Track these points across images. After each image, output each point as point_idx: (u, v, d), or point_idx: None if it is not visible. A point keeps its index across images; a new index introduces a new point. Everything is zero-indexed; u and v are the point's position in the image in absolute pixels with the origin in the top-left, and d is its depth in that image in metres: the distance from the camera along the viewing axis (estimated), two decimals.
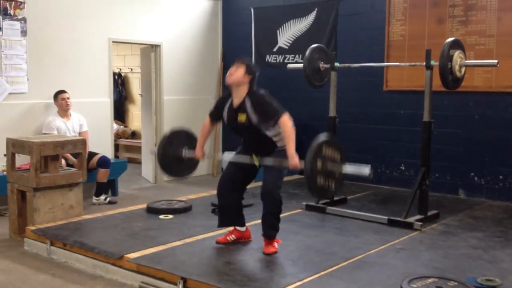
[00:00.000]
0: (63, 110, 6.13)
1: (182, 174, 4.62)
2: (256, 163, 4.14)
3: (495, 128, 6.11)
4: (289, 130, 3.91)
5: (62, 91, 6.13)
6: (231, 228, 4.37)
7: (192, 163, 4.58)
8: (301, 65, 5.71)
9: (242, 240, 4.37)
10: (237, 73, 4.00)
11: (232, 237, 4.35)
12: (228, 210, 4.29)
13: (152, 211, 5.31)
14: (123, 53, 9.88)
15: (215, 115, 4.29)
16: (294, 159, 3.87)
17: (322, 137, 3.82)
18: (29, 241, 4.64)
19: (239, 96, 4.02)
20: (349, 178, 6.97)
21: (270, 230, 4.13)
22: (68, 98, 6.12)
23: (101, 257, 4.07)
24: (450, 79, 4.90)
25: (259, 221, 4.23)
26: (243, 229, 4.37)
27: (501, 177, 6.09)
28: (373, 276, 3.67)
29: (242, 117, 4.00)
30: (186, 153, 4.41)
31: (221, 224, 4.36)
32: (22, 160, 5.44)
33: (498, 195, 6.09)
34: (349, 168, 3.84)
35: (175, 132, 4.54)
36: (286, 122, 3.91)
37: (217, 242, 4.33)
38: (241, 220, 4.36)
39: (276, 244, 4.14)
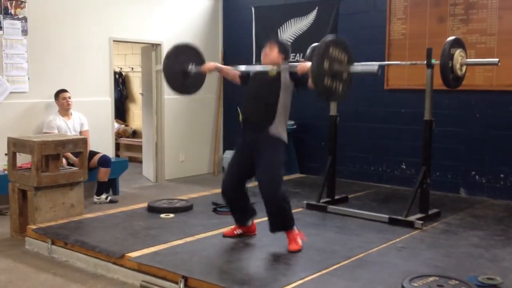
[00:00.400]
0: (64, 109, 6.13)
1: (188, 90, 4.66)
2: (273, 72, 4.15)
3: (496, 127, 6.10)
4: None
5: (63, 90, 6.14)
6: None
7: (199, 80, 4.61)
8: None
9: (248, 234, 4.43)
10: (273, 53, 4.19)
11: (238, 231, 4.42)
12: (238, 207, 4.35)
13: (153, 210, 5.31)
14: (123, 52, 9.88)
15: (244, 77, 4.44)
16: (304, 63, 3.98)
17: (329, 37, 3.84)
18: (30, 240, 4.64)
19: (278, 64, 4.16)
20: (349, 176, 7.04)
21: (284, 221, 4.11)
22: (69, 98, 6.13)
23: (102, 256, 4.07)
24: (451, 77, 4.90)
25: (262, 219, 4.25)
26: (249, 223, 4.45)
27: (502, 175, 6.08)
28: (374, 275, 3.67)
29: (273, 72, 4.13)
30: (193, 68, 4.45)
31: (239, 222, 4.43)
32: (23, 159, 5.44)
33: (499, 193, 6.09)
34: (357, 67, 3.84)
35: (182, 46, 4.56)
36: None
37: (224, 236, 4.42)
38: (247, 217, 4.42)
39: (300, 241, 4.13)
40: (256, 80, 4.27)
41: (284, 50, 4.22)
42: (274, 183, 4.01)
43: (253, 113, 4.16)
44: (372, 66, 3.77)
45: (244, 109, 4.27)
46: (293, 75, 4.08)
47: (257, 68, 4.33)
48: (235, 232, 4.43)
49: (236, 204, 4.35)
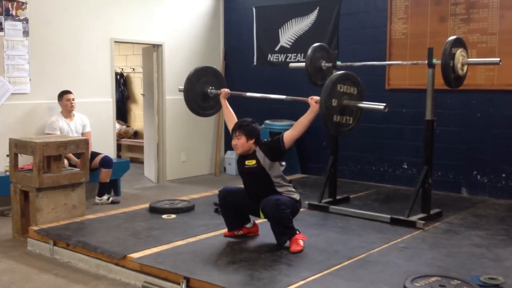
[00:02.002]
0: (67, 111, 6.13)
1: (209, 112, 4.81)
2: (262, 217, 4.27)
3: (498, 126, 6.10)
4: (298, 123, 4.07)
5: (68, 92, 6.13)
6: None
7: (218, 102, 4.73)
8: (303, 64, 5.70)
9: (250, 235, 4.45)
10: (241, 143, 4.15)
11: (239, 232, 4.44)
12: (232, 211, 4.37)
13: (155, 210, 5.32)
14: (125, 53, 9.88)
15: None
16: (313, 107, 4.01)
17: (336, 74, 3.85)
18: (32, 241, 4.65)
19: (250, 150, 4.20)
20: (351, 176, 7.03)
21: (281, 236, 4.15)
22: (73, 100, 6.12)
23: (104, 257, 4.07)
24: (452, 77, 4.89)
25: (263, 220, 4.26)
26: (249, 225, 4.45)
27: (504, 175, 6.08)
28: (376, 275, 3.67)
29: (251, 162, 4.16)
30: (212, 90, 4.58)
31: (231, 228, 4.44)
32: (25, 160, 5.45)
33: (501, 193, 6.08)
34: (364, 105, 3.87)
35: (200, 70, 4.67)
36: (288, 132, 4.09)
37: (225, 236, 4.43)
38: (247, 218, 4.44)
39: (301, 242, 4.15)
40: (240, 167, 4.31)
41: (252, 134, 4.14)
42: (278, 204, 4.04)
43: (254, 196, 4.22)
44: (379, 105, 3.84)
45: (249, 196, 4.32)
46: (268, 154, 4.11)
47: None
48: (236, 233, 4.44)
49: (229, 211, 4.39)
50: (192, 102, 4.69)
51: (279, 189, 4.17)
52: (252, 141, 4.15)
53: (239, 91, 8.32)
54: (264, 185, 4.16)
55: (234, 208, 4.36)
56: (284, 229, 4.11)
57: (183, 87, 4.71)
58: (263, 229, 4.47)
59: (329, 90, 3.72)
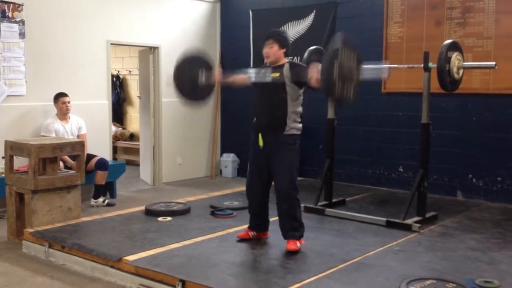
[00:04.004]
0: (63, 113, 6.12)
1: (197, 98, 4.58)
2: (261, 143, 4.21)
3: (493, 130, 6.12)
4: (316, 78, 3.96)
5: (63, 94, 6.11)
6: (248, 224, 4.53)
7: (209, 89, 4.56)
8: None
9: (261, 237, 4.49)
10: (273, 51, 4.14)
11: (253, 233, 4.46)
12: (261, 213, 4.42)
13: (151, 213, 5.31)
14: (121, 55, 9.88)
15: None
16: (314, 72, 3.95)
17: (338, 40, 3.78)
18: (27, 244, 4.63)
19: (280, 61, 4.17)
20: (347, 179, 7.04)
21: (293, 231, 4.20)
22: (68, 102, 6.10)
23: (99, 260, 4.06)
24: (448, 81, 4.91)
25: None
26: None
27: (499, 178, 6.10)
28: (372, 278, 3.67)
29: (275, 74, 4.14)
30: (202, 77, 4.41)
31: (256, 229, 4.48)
32: (20, 162, 5.43)
33: (496, 196, 6.10)
34: (366, 72, 3.81)
35: (191, 55, 4.54)
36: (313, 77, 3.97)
37: (238, 238, 4.45)
38: (266, 225, 4.49)
39: (298, 244, 4.18)
40: (260, 88, 4.28)
41: (284, 44, 4.17)
42: (289, 182, 4.12)
43: (266, 125, 4.21)
44: (379, 70, 3.75)
45: (256, 119, 4.31)
46: (294, 75, 4.08)
47: (263, 76, 4.25)
48: (250, 234, 4.47)
49: (259, 210, 4.41)
50: (182, 90, 4.43)
51: (288, 123, 4.13)
52: (284, 50, 4.15)
53: (235, 94, 8.34)
54: (278, 104, 4.10)
55: (264, 206, 4.39)
56: (295, 223, 4.17)
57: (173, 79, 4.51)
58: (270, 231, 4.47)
59: (331, 54, 3.67)
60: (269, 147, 4.17)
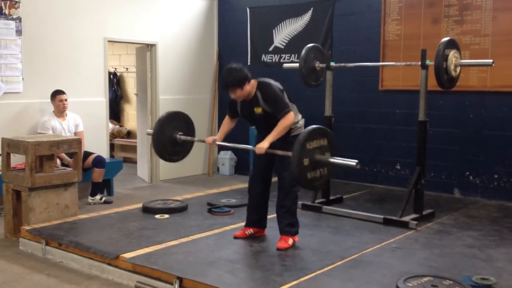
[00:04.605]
0: (60, 111, 6.10)
1: (175, 158, 4.64)
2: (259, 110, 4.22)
3: (490, 128, 6.13)
4: (282, 124, 4.01)
5: (61, 92, 6.09)
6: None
7: (187, 147, 4.62)
8: (297, 64, 5.71)
9: (258, 235, 4.48)
10: (239, 94, 4.07)
11: (250, 231, 4.46)
12: (257, 210, 4.42)
13: (148, 210, 5.31)
14: (118, 53, 9.85)
15: (232, 112, 4.38)
16: (262, 146, 3.96)
17: (302, 135, 3.74)
18: (24, 241, 4.62)
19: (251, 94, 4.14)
20: (344, 176, 7.05)
21: (289, 227, 4.23)
22: (66, 100, 6.09)
23: (96, 257, 4.06)
24: (445, 78, 4.92)
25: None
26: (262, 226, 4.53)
27: (496, 176, 6.11)
28: (369, 275, 3.68)
29: (258, 110, 4.14)
30: (181, 136, 4.48)
31: (254, 224, 4.47)
32: (17, 159, 5.42)
33: (493, 194, 6.11)
34: (337, 161, 3.80)
35: (171, 114, 4.58)
36: (287, 118, 4.02)
37: (235, 237, 4.43)
38: (265, 221, 4.50)
39: (290, 241, 4.21)
40: (252, 118, 4.29)
41: (242, 81, 4.02)
42: (293, 179, 4.08)
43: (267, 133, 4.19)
44: (351, 161, 3.76)
45: (259, 136, 4.34)
46: (268, 106, 4.10)
47: (249, 114, 4.25)
48: (247, 233, 4.46)
49: (260, 206, 4.41)
50: (160, 146, 4.50)
51: (292, 132, 4.17)
52: (246, 83, 4.05)
53: None
54: (275, 123, 4.09)
55: (263, 198, 4.41)
56: (293, 219, 4.20)
57: (151, 131, 4.57)
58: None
59: (298, 153, 3.62)
60: (274, 148, 4.16)
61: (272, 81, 4.23)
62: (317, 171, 3.75)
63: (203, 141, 4.52)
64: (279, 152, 4.00)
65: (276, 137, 4.00)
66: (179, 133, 4.53)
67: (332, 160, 3.77)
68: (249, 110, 4.18)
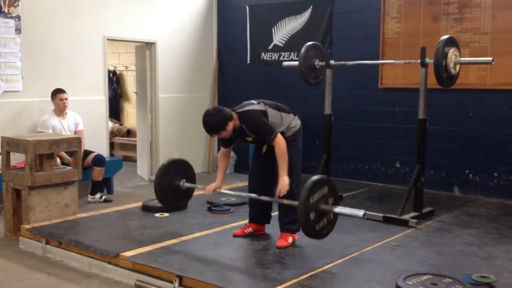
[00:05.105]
0: (60, 110, 6.10)
1: (178, 204, 4.73)
2: (264, 149, 4.28)
3: (490, 126, 6.13)
4: (280, 151, 4.01)
5: (61, 91, 6.08)
6: (246, 221, 4.54)
7: (189, 193, 4.71)
8: (296, 62, 5.70)
9: (257, 233, 4.48)
10: (225, 134, 4.10)
11: (249, 229, 4.46)
12: (256, 206, 4.42)
13: (148, 209, 5.31)
14: (118, 51, 9.86)
15: (225, 143, 4.39)
16: (285, 183, 3.97)
17: (305, 188, 3.70)
18: (24, 240, 4.63)
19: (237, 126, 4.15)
20: (344, 175, 7.05)
21: (289, 224, 4.23)
22: (66, 99, 6.08)
23: (96, 256, 4.06)
24: (444, 76, 4.91)
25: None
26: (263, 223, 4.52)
27: (495, 174, 6.11)
28: (369, 273, 3.68)
29: (249, 139, 4.20)
30: (183, 183, 4.55)
31: (255, 220, 4.48)
32: (17, 158, 5.42)
33: (493, 192, 6.12)
34: (343, 210, 3.79)
35: (172, 162, 4.63)
36: (279, 143, 4.02)
37: (234, 236, 4.43)
38: (267, 218, 4.48)
39: (290, 239, 4.21)
40: (242, 140, 4.34)
41: (223, 124, 4.02)
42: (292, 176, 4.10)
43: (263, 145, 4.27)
44: (358, 212, 3.72)
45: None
46: (255, 135, 4.14)
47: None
48: (246, 231, 4.45)
49: (260, 204, 4.39)
50: (163, 197, 4.56)
51: (287, 135, 4.21)
52: (228, 125, 4.04)
53: (232, 89, 8.38)
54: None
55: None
56: (294, 217, 4.16)
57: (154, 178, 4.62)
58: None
59: (303, 209, 3.61)
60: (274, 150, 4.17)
61: (250, 107, 4.16)
62: (324, 219, 3.77)
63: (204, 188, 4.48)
64: (285, 202, 4.03)
65: (285, 165, 4.00)
66: (182, 180, 4.57)
67: (338, 210, 3.78)
68: (241, 138, 4.25)
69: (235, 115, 4.11)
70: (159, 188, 4.50)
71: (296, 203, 3.75)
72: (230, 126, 4.07)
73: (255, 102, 4.22)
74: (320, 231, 3.76)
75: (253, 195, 4.32)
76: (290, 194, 4.09)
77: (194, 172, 4.75)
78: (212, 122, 4.04)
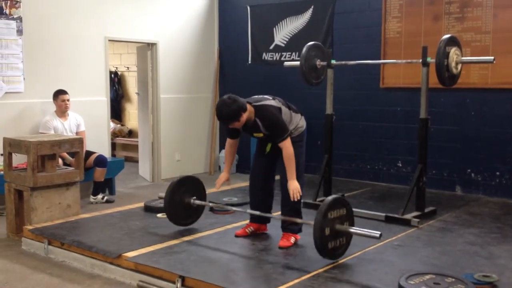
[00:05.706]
0: (62, 111, 6.10)
1: (187, 221, 4.68)
2: (268, 149, 4.27)
3: (492, 125, 6.12)
4: (288, 154, 4.00)
5: (63, 92, 6.09)
6: (248, 221, 4.54)
7: (199, 210, 4.71)
8: (297, 62, 5.70)
9: (259, 232, 4.48)
10: (238, 124, 4.01)
11: (250, 229, 4.46)
12: (258, 206, 4.40)
13: (150, 209, 5.31)
14: (119, 52, 9.86)
15: (232, 134, 4.35)
16: (295, 186, 3.98)
17: (325, 204, 3.73)
18: (26, 241, 4.63)
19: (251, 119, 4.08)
20: (346, 175, 7.05)
21: (292, 225, 4.23)
22: (68, 100, 6.09)
23: (99, 256, 4.07)
24: (446, 76, 4.91)
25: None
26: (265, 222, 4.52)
27: (497, 173, 6.10)
28: (371, 273, 3.68)
29: (259, 134, 4.15)
30: (194, 200, 4.57)
31: (253, 220, 4.48)
32: (19, 159, 5.43)
33: (495, 191, 6.11)
34: (358, 231, 3.82)
35: (183, 179, 4.62)
36: (286, 146, 4.00)
37: (236, 236, 4.42)
38: (269, 216, 4.46)
39: (292, 239, 4.21)
40: (246, 132, 4.27)
41: (237, 113, 3.92)
42: (296, 177, 4.09)
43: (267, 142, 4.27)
44: (374, 233, 3.72)
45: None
46: (268, 131, 4.10)
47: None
48: (247, 231, 4.45)
49: (259, 198, 4.39)
50: (173, 214, 4.55)
51: (294, 134, 4.20)
52: (242, 114, 3.94)
53: (233, 89, 8.34)
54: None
55: (265, 196, 4.40)
56: (297, 217, 4.19)
57: (163, 195, 4.59)
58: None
59: (320, 222, 3.63)
60: (277, 149, 4.16)
61: (268, 102, 4.11)
62: (337, 240, 3.78)
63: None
64: (299, 221, 4.06)
65: (294, 168, 4.00)
66: (193, 198, 4.59)
67: (354, 230, 3.79)
68: (250, 132, 4.19)
69: (250, 108, 4.01)
70: (168, 205, 4.47)
71: (312, 222, 3.71)
72: (244, 117, 3.96)
73: (270, 98, 4.17)
74: (332, 251, 3.77)
75: (268, 214, 4.37)
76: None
77: (205, 190, 4.75)
78: (227, 112, 3.91)
